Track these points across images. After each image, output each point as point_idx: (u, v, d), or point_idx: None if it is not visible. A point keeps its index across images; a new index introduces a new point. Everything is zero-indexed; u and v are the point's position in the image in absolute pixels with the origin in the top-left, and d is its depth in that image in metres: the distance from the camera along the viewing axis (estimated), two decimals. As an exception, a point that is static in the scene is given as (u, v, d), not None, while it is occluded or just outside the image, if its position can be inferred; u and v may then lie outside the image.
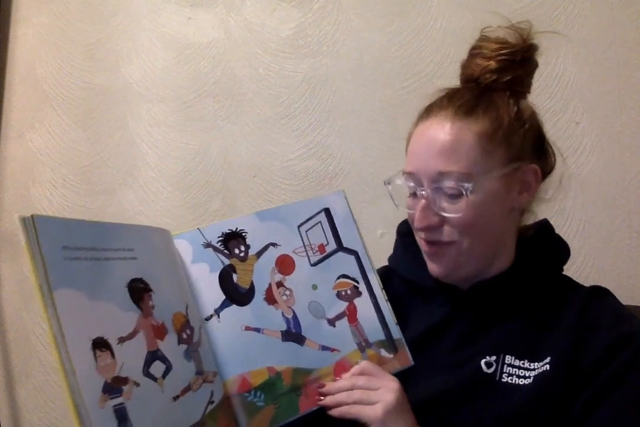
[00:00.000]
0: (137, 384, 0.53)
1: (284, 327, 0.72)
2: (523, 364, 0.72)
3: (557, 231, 0.84)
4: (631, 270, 1.16)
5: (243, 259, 0.73)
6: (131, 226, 0.63)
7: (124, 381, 0.51)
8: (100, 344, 0.50)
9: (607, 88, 1.17)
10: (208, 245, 0.72)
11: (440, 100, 0.77)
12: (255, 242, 0.74)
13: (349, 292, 0.77)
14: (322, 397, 0.70)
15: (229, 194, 1.39)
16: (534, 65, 0.80)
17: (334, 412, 0.68)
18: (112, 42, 1.46)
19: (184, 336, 0.63)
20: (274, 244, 0.75)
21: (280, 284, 0.74)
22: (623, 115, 1.16)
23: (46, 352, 1.48)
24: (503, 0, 1.22)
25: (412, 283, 0.84)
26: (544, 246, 0.81)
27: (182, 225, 1.39)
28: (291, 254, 0.75)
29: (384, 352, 0.75)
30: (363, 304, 0.77)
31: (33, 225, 0.48)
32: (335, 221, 0.79)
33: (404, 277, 0.85)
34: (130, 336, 0.54)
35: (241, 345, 0.69)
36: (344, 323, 0.75)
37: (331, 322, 0.75)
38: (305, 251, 0.76)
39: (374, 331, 0.76)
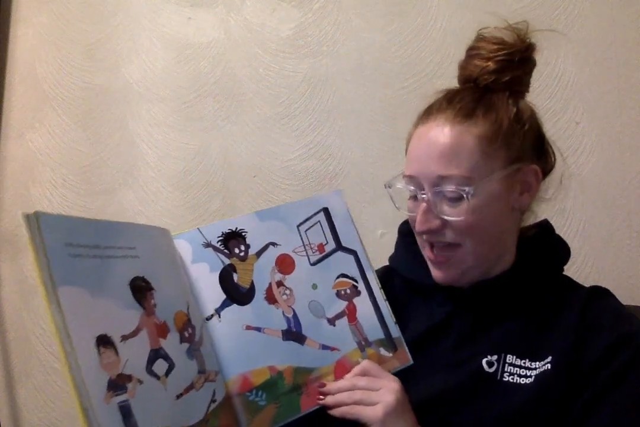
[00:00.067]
0: (141, 382, 0.53)
1: (284, 326, 0.72)
2: (524, 363, 0.72)
3: (557, 231, 0.84)
4: (631, 270, 1.16)
5: (243, 259, 0.73)
6: (132, 224, 0.63)
7: (128, 378, 0.52)
8: (104, 341, 0.50)
9: (607, 88, 1.17)
10: (208, 245, 0.72)
11: (440, 102, 0.77)
12: (255, 241, 0.74)
13: (348, 291, 0.77)
14: (322, 397, 0.70)
15: (229, 194, 1.39)
16: (533, 65, 0.80)
17: (335, 412, 0.68)
18: (112, 42, 1.46)
19: (186, 334, 0.64)
20: (273, 244, 0.75)
21: (280, 284, 0.74)
22: (623, 115, 1.16)
23: (46, 352, 1.48)
24: (503, 0, 1.22)
25: (413, 283, 0.84)
26: (545, 246, 0.81)
27: (182, 225, 1.39)
28: (291, 253, 0.76)
29: (383, 351, 0.75)
30: (362, 303, 0.77)
31: (36, 222, 0.48)
32: (334, 221, 0.79)
33: (405, 276, 0.85)
34: (133, 333, 0.55)
35: (242, 344, 0.69)
36: (343, 322, 0.75)
37: (331, 321, 0.75)
38: (305, 250, 0.76)
39: (373, 330, 0.76)
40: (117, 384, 0.50)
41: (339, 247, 0.78)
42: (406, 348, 0.76)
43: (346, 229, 0.79)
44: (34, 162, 1.51)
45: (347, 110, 1.32)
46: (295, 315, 0.73)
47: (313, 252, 0.77)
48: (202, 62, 1.41)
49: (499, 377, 0.72)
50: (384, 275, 0.84)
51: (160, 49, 1.44)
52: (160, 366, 0.57)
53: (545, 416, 0.69)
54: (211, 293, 0.70)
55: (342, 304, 0.76)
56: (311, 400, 0.70)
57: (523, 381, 0.71)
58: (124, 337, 0.53)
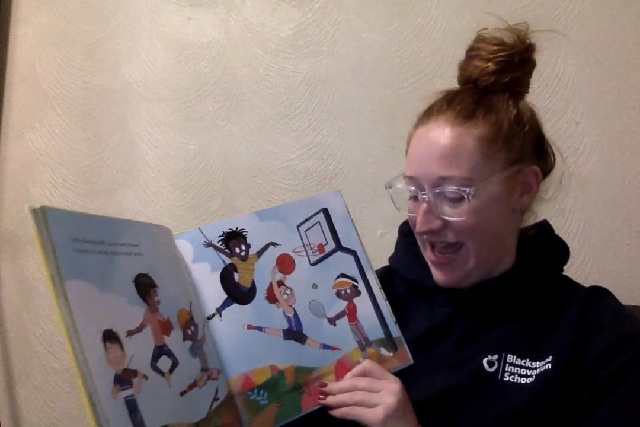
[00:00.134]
0: (146, 378, 0.54)
1: (285, 325, 0.72)
2: (525, 363, 0.72)
3: (557, 231, 0.84)
4: (631, 270, 1.16)
5: (244, 258, 0.73)
6: (136, 222, 0.64)
7: (134, 373, 0.52)
8: (110, 336, 0.51)
9: (607, 88, 1.17)
10: (209, 244, 0.72)
11: (440, 103, 0.77)
12: (255, 241, 0.74)
13: (348, 291, 0.77)
14: (323, 397, 0.70)
15: (229, 194, 1.39)
16: (533, 66, 0.80)
17: (335, 412, 0.68)
18: (112, 42, 1.46)
19: (189, 332, 0.64)
20: (274, 244, 0.75)
21: (281, 283, 0.74)
22: (623, 115, 1.16)
23: (46, 352, 1.48)
24: (503, 1, 1.22)
25: (413, 283, 0.84)
26: (545, 247, 0.81)
27: (182, 225, 1.39)
28: (291, 253, 0.76)
29: (383, 351, 0.75)
30: (362, 303, 0.77)
31: (43, 216, 0.49)
32: (334, 221, 0.79)
33: (405, 277, 0.85)
34: (138, 329, 0.55)
35: (244, 343, 0.70)
36: (344, 322, 0.75)
37: (331, 321, 0.75)
38: (305, 250, 0.77)
39: (373, 330, 0.76)
40: (123, 379, 0.50)
41: (339, 247, 0.78)
42: (406, 348, 0.76)
43: (346, 229, 0.79)
44: (34, 162, 1.51)
45: (347, 110, 1.32)
46: (296, 314, 0.73)
47: (313, 252, 0.77)
48: (202, 62, 1.41)
49: (499, 377, 0.72)
50: (384, 275, 0.84)
51: (160, 49, 1.44)
52: (164, 362, 0.57)
53: (545, 415, 0.69)
54: (212, 292, 0.71)
55: (342, 304, 0.76)
56: (312, 399, 0.70)
57: (523, 380, 0.71)
58: (129, 333, 0.54)
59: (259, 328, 0.71)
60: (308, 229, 0.78)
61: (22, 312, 1.50)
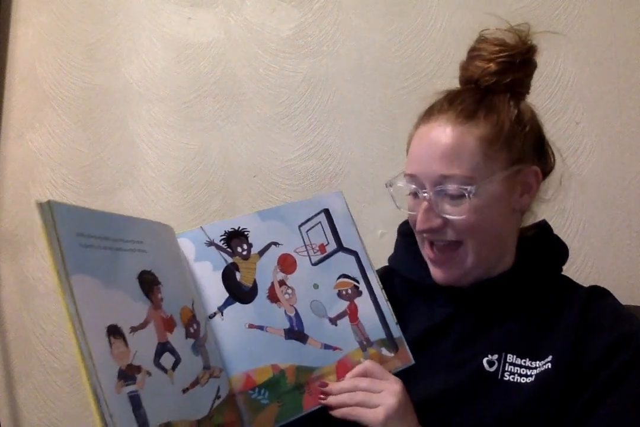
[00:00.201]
0: (150, 374, 0.54)
1: (286, 325, 0.72)
2: (524, 362, 0.73)
3: (557, 231, 0.84)
4: (631, 270, 1.16)
5: (246, 258, 0.74)
6: (140, 219, 0.64)
7: (137, 369, 0.52)
8: (114, 331, 0.51)
9: (607, 88, 1.17)
10: (211, 243, 0.73)
11: (441, 103, 0.77)
12: (257, 241, 0.75)
13: (349, 291, 0.77)
14: (324, 397, 0.70)
15: (229, 194, 1.39)
16: (534, 67, 0.80)
17: (336, 413, 0.68)
18: (112, 42, 1.46)
19: (191, 330, 0.64)
20: (275, 243, 0.75)
21: (282, 283, 0.74)
22: (623, 115, 1.16)
23: (46, 352, 1.48)
24: (503, 1, 1.22)
25: (413, 283, 0.84)
26: (544, 247, 0.81)
27: (182, 225, 1.39)
28: (293, 253, 0.76)
29: (384, 351, 0.75)
30: (364, 303, 0.77)
31: (50, 211, 0.49)
32: (335, 222, 0.79)
33: (405, 277, 0.85)
34: (142, 326, 0.56)
35: (245, 342, 0.70)
36: (345, 322, 0.75)
37: (333, 321, 0.75)
38: (306, 250, 0.77)
39: (374, 330, 0.76)
40: (127, 374, 0.50)
41: (340, 247, 0.79)
42: (407, 348, 0.77)
43: (347, 229, 0.80)
44: (34, 162, 1.51)
45: (347, 110, 1.32)
46: (297, 314, 0.73)
47: (314, 253, 0.77)
48: (202, 62, 1.41)
49: (499, 377, 0.72)
50: (384, 275, 0.84)
51: (160, 49, 1.44)
52: (167, 359, 0.58)
53: (545, 415, 0.69)
54: (214, 291, 0.71)
55: (343, 304, 0.76)
56: (313, 399, 0.70)
57: (523, 380, 0.71)
58: (133, 329, 0.54)
59: (261, 327, 0.71)
60: (309, 229, 0.78)
61: (22, 312, 1.50)
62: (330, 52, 1.33)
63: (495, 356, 0.74)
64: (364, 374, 0.70)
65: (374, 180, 1.29)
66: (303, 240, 0.77)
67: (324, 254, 0.78)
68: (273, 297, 0.73)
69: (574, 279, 0.82)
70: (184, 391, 0.59)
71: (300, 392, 0.70)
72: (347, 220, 0.80)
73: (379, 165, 1.29)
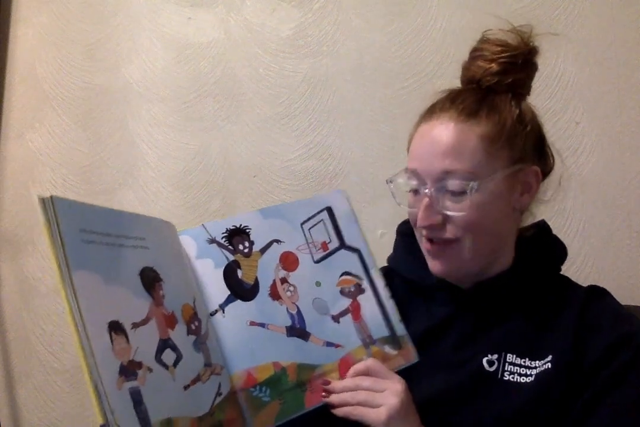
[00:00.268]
0: (151, 370, 0.54)
1: (288, 322, 0.73)
2: (524, 362, 0.73)
3: (557, 231, 0.84)
4: (631, 270, 1.16)
5: (247, 255, 0.74)
6: (142, 216, 0.64)
7: (139, 365, 0.53)
8: (115, 327, 0.51)
9: (607, 88, 1.17)
10: (212, 241, 0.73)
11: (443, 101, 0.78)
12: (259, 238, 0.75)
13: (352, 289, 0.77)
14: (326, 394, 0.69)
15: (229, 194, 1.39)
16: (535, 68, 0.80)
17: (338, 411, 0.68)
18: (112, 42, 1.46)
19: (193, 327, 0.65)
20: (277, 241, 0.76)
21: (284, 280, 0.74)
22: (623, 115, 1.16)
23: (46, 352, 1.48)
24: (503, 1, 1.22)
25: (413, 283, 0.84)
26: (543, 246, 0.81)
27: (182, 225, 1.38)
28: (295, 251, 0.76)
29: (388, 349, 0.75)
30: (367, 301, 0.77)
31: (52, 206, 0.49)
32: (338, 220, 0.79)
33: (405, 277, 0.85)
34: (143, 322, 0.56)
35: (246, 340, 0.70)
36: (347, 320, 0.75)
37: (335, 318, 0.75)
38: (309, 248, 0.77)
39: (378, 328, 0.76)
40: (128, 370, 0.51)
41: (343, 245, 0.79)
42: (411, 346, 0.76)
43: (350, 227, 0.79)
44: (34, 162, 1.50)
45: (347, 110, 1.32)
46: (299, 312, 0.74)
47: (317, 250, 0.77)
48: (202, 62, 1.41)
49: (499, 376, 0.72)
50: (384, 275, 0.84)
51: (160, 49, 1.44)
52: (168, 355, 0.58)
53: (545, 415, 0.69)
54: (215, 289, 0.71)
55: (346, 302, 0.76)
56: (315, 397, 0.70)
57: (523, 380, 0.71)
58: (135, 325, 0.54)
59: (262, 325, 0.71)
60: (312, 227, 0.78)
61: (22, 312, 1.50)
62: (330, 52, 1.33)
63: (495, 356, 0.74)
64: (366, 372, 0.70)
65: (374, 180, 1.29)
66: (305, 238, 0.77)
67: (326, 252, 0.78)
68: (275, 295, 0.73)
69: (574, 279, 0.82)
70: (185, 387, 0.59)
71: (302, 390, 0.70)
72: (350, 218, 0.80)
73: (379, 165, 1.29)
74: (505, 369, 0.73)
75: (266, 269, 0.74)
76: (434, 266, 0.78)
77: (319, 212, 0.79)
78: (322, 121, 1.33)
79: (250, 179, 1.37)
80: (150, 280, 0.59)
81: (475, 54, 0.78)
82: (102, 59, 1.47)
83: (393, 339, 0.76)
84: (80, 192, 1.48)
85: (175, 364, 0.59)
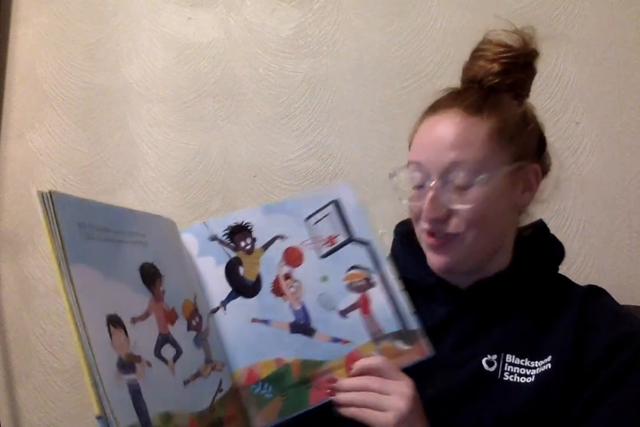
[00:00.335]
0: (150, 365, 0.54)
1: (292, 319, 0.72)
2: (524, 362, 0.73)
3: (557, 231, 0.85)
4: (631, 270, 1.16)
5: (249, 252, 0.74)
6: (142, 212, 0.65)
7: (138, 359, 0.53)
8: (114, 321, 0.51)
9: (607, 88, 1.17)
10: (214, 238, 0.73)
11: (447, 98, 0.78)
12: (262, 235, 0.75)
13: (360, 283, 0.76)
14: (332, 392, 0.68)
15: (229, 194, 1.39)
16: (534, 72, 0.81)
17: (345, 411, 0.67)
18: (112, 42, 1.46)
19: (193, 323, 0.65)
20: (281, 237, 0.75)
21: (288, 276, 0.74)
22: (623, 115, 1.16)
23: (46, 352, 1.48)
24: (503, 1, 1.22)
25: (413, 283, 0.84)
26: (541, 246, 0.81)
27: (182, 225, 1.38)
28: (299, 246, 0.76)
29: (400, 344, 0.73)
30: (376, 295, 0.75)
31: (50, 200, 0.49)
32: (345, 213, 0.78)
33: (404, 277, 0.85)
34: (143, 317, 0.56)
35: (248, 337, 0.70)
36: (356, 315, 0.74)
37: (342, 313, 0.74)
38: (314, 243, 0.76)
39: (388, 322, 0.74)
40: (127, 364, 0.51)
41: (351, 238, 0.77)
42: (426, 340, 0.74)
43: (358, 220, 0.78)
44: (34, 162, 1.50)
45: (347, 110, 1.32)
46: (303, 308, 0.73)
47: (323, 245, 0.76)
48: (202, 62, 1.41)
49: (499, 377, 0.72)
50: None
51: (160, 49, 1.44)
52: (168, 350, 0.58)
53: (545, 415, 0.69)
54: (217, 286, 0.72)
55: (354, 297, 0.75)
56: (320, 394, 0.69)
57: (523, 380, 0.71)
58: (134, 320, 0.55)
59: (265, 321, 0.72)
60: (317, 221, 0.77)
61: (22, 312, 1.50)
62: (330, 52, 1.33)
63: (495, 357, 0.74)
64: (375, 372, 0.68)
65: (374, 180, 1.29)
66: (311, 232, 0.76)
67: (333, 246, 0.77)
68: (278, 291, 0.73)
69: (574, 279, 0.82)
70: (185, 382, 0.59)
71: (307, 386, 0.70)
72: (358, 210, 0.78)
73: (379, 165, 1.29)
74: (505, 369, 0.73)
75: (269, 266, 0.74)
76: (435, 260, 0.77)
77: (325, 206, 0.78)
78: (322, 121, 1.33)
79: (250, 179, 1.37)
80: (150, 276, 0.60)
81: (477, 54, 0.79)
82: (102, 59, 1.47)
83: (405, 334, 0.74)
84: (80, 192, 1.48)
85: (175, 359, 0.59)
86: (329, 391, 0.68)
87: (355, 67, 1.31)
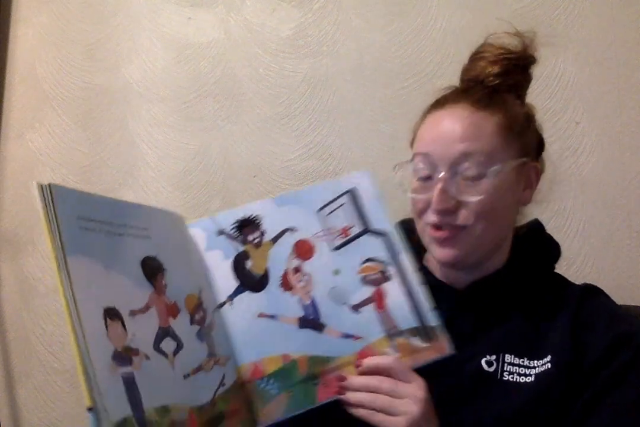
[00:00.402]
0: (147, 357, 0.54)
1: (300, 313, 0.70)
2: (523, 362, 0.73)
3: (557, 231, 0.85)
4: (631, 270, 1.16)
5: (258, 245, 0.73)
6: (147, 206, 0.65)
7: (135, 352, 0.53)
8: (111, 313, 0.52)
9: (607, 88, 1.17)
10: (221, 232, 0.72)
11: (453, 94, 0.79)
12: (271, 227, 0.73)
13: (375, 276, 0.72)
14: (341, 390, 0.66)
15: (229, 194, 1.39)
16: (531, 77, 0.82)
17: (354, 412, 0.65)
18: (112, 42, 1.46)
19: (197, 317, 0.65)
20: (291, 229, 0.73)
21: (297, 270, 0.72)
22: (623, 115, 1.16)
23: (46, 352, 1.48)
24: (503, 1, 1.22)
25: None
26: (537, 244, 0.82)
27: (182, 225, 1.39)
28: (311, 238, 0.73)
29: (416, 341, 0.70)
30: (392, 289, 0.71)
31: (50, 193, 0.50)
32: (362, 202, 0.74)
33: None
34: (142, 310, 0.56)
35: (255, 332, 0.69)
36: (369, 310, 0.71)
37: (355, 308, 0.71)
38: (327, 234, 0.73)
39: (405, 318, 0.70)
40: (123, 356, 0.51)
41: (367, 229, 0.74)
42: (446, 336, 0.70)
43: (376, 210, 0.74)
44: (34, 162, 1.50)
45: (347, 110, 1.32)
46: (313, 302, 0.71)
47: (336, 237, 0.73)
48: (202, 62, 1.41)
49: (498, 377, 0.72)
50: None
51: (160, 49, 1.44)
52: (168, 344, 0.58)
53: (545, 415, 0.69)
54: (225, 280, 0.71)
55: (368, 291, 0.71)
56: (328, 391, 0.67)
57: (523, 379, 0.71)
58: (133, 312, 0.55)
59: (272, 316, 0.70)
60: (331, 212, 0.74)
61: (22, 312, 1.50)
62: (330, 52, 1.33)
63: (494, 357, 0.74)
64: (386, 371, 0.66)
65: (374, 180, 1.29)
66: (323, 224, 0.74)
67: (347, 238, 0.73)
68: (286, 285, 0.71)
69: (574, 279, 0.82)
70: (185, 376, 0.59)
71: (314, 383, 0.68)
72: (376, 200, 0.74)
73: (379, 165, 1.29)
74: (505, 369, 0.73)
75: (278, 259, 0.72)
76: (443, 253, 0.76)
77: (339, 196, 0.75)
78: (322, 121, 1.33)
79: (250, 179, 1.37)
80: (151, 269, 0.60)
81: (477, 56, 0.80)
82: (102, 59, 1.47)
83: (423, 330, 0.70)
84: (80, 192, 1.47)
85: (176, 352, 0.59)
86: (337, 389, 0.66)
87: (355, 67, 1.31)
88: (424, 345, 0.70)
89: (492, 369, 0.73)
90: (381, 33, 1.30)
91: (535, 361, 0.72)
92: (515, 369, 0.72)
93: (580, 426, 0.68)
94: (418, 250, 0.80)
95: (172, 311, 0.61)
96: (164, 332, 0.58)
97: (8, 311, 1.51)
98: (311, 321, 0.70)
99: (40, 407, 1.48)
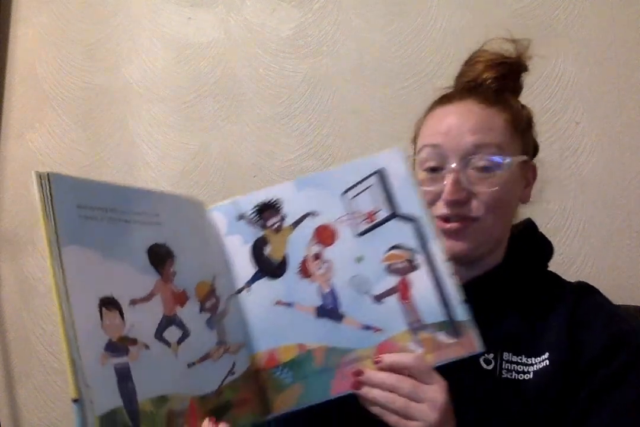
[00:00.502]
0: (147, 347, 0.54)
1: (318, 302, 0.67)
2: (521, 359, 0.73)
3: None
4: (631, 270, 1.16)
5: (277, 230, 0.70)
6: (159, 192, 0.64)
7: (132, 342, 0.52)
8: (108, 303, 0.51)
9: (607, 88, 1.17)
10: (241, 217, 0.71)
11: (460, 90, 0.80)
12: (292, 212, 0.69)
13: (402, 265, 0.67)
14: (357, 384, 0.63)
15: (229, 194, 1.37)
16: (521, 85, 0.83)
17: (371, 409, 0.62)
18: (112, 42, 1.46)
19: (208, 304, 0.64)
20: (312, 213, 0.69)
21: (317, 256, 0.68)
22: (623, 115, 1.16)
23: (46, 352, 1.48)
24: (503, 1, 1.22)
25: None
26: (531, 243, 0.82)
27: (182, 225, 1.39)
28: (333, 223, 0.68)
29: (442, 336, 0.65)
30: (419, 279, 0.66)
31: (48, 182, 0.49)
32: (390, 184, 0.68)
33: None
34: (145, 299, 0.55)
35: (271, 319, 0.68)
36: (393, 300, 0.66)
37: (377, 298, 0.66)
38: (351, 219, 0.68)
39: (431, 311, 0.65)
40: (118, 346, 0.50)
41: (395, 214, 0.68)
42: (475, 333, 0.65)
43: (406, 193, 0.67)
44: (34, 162, 1.50)
45: (347, 110, 1.32)
46: (332, 291, 0.67)
47: (360, 222, 0.68)
48: (202, 62, 1.41)
49: (497, 375, 0.72)
50: None
51: (160, 49, 1.44)
52: (172, 333, 0.57)
53: (544, 413, 0.69)
54: (243, 266, 0.69)
55: (393, 280, 0.66)
56: (344, 384, 0.64)
57: (522, 377, 0.72)
58: (134, 302, 0.54)
59: (289, 304, 0.68)
60: (357, 195, 0.69)
61: (22, 312, 1.50)
62: (330, 52, 1.33)
63: (492, 355, 0.74)
64: (406, 370, 0.62)
65: (374, 180, 1.29)
66: (348, 208, 0.69)
67: (373, 223, 0.68)
68: (305, 273, 0.68)
69: (574, 279, 0.82)
70: (189, 365, 0.58)
71: (329, 375, 0.65)
72: (406, 182, 0.68)
73: (379, 165, 1.29)
74: (503, 367, 0.73)
75: (297, 245, 0.68)
76: (452, 245, 0.74)
77: (367, 177, 0.69)
78: (322, 121, 1.33)
79: (250, 179, 1.37)
80: (159, 256, 0.59)
81: (473, 60, 0.81)
82: (102, 59, 1.47)
83: (450, 325, 0.65)
84: (80, 192, 1.48)
85: (180, 341, 0.58)
86: (353, 383, 0.63)
87: (355, 67, 1.31)
88: (451, 341, 0.64)
89: (490, 367, 0.73)
90: (381, 33, 1.30)
91: (533, 358, 0.72)
92: (514, 367, 0.72)
93: (580, 425, 0.68)
94: None
95: (180, 298, 0.60)
96: (168, 321, 0.58)
97: (8, 311, 1.51)
98: (329, 311, 0.67)
99: (40, 407, 1.48)
